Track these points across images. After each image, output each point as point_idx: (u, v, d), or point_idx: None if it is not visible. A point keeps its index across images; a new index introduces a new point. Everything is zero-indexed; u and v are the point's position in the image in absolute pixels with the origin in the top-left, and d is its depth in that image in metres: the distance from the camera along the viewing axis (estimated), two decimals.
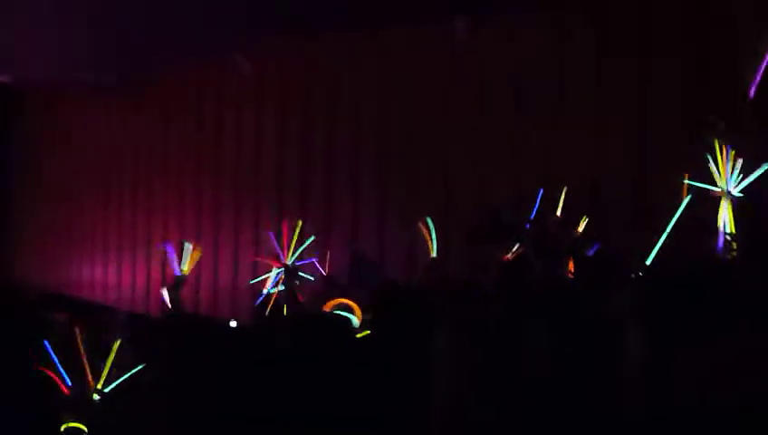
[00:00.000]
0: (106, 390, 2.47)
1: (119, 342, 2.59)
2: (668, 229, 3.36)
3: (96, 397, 2.43)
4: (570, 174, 4.49)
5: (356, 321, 3.73)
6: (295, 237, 4.68)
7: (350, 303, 3.86)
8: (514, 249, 3.90)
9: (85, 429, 2.20)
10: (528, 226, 4.08)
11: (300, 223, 4.83)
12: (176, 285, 4.56)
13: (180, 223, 5.82)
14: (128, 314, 4.90)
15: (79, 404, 2.42)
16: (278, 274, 4.66)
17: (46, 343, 2.61)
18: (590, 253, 3.70)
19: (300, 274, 4.71)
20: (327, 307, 3.91)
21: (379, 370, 2.48)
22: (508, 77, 5.06)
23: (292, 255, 4.66)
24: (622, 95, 4.64)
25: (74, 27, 5.33)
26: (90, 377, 2.46)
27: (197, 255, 4.48)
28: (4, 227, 7.14)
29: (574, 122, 4.75)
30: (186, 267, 4.34)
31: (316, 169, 5.65)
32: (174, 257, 4.55)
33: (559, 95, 4.88)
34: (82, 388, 2.45)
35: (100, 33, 5.41)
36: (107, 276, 6.11)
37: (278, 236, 4.75)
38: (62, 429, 2.22)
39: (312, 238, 4.85)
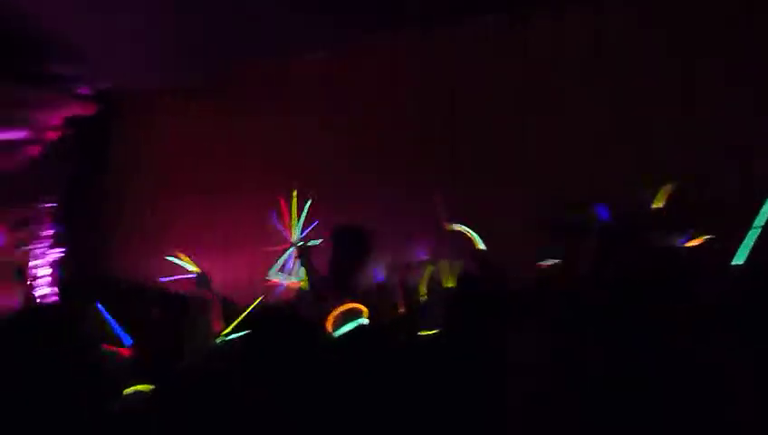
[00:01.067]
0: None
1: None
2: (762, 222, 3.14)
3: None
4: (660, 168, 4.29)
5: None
6: (303, 214, 4.38)
7: (358, 306, 3.44)
8: (600, 241, 3.73)
9: (149, 389, 2.17)
10: (614, 218, 3.90)
11: (310, 200, 4.58)
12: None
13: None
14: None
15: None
16: (288, 256, 4.42)
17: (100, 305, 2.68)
18: (682, 242, 3.50)
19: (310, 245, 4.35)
20: (335, 316, 3.50)
21: (456, 370, 2.38)
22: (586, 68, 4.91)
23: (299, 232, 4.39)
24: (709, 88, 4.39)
25: (162, 32, 5.62)
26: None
27: (185, 257, 4.42)
28: (105, 227, 7.61)
29: (663, 116, 4.55)
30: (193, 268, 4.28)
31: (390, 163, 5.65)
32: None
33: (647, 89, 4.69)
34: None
35: (187, 36, 5.67)
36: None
37: (279, 215, 4.54)
38: (127, 392, 2.18)
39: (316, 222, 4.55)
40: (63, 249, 7.67)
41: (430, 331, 3.09)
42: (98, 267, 7.54)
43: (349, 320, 3.14)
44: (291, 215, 4.35)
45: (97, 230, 7.64)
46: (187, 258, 4.09)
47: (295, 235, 4.38)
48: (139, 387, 2.20)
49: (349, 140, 5.87)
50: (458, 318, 2.89)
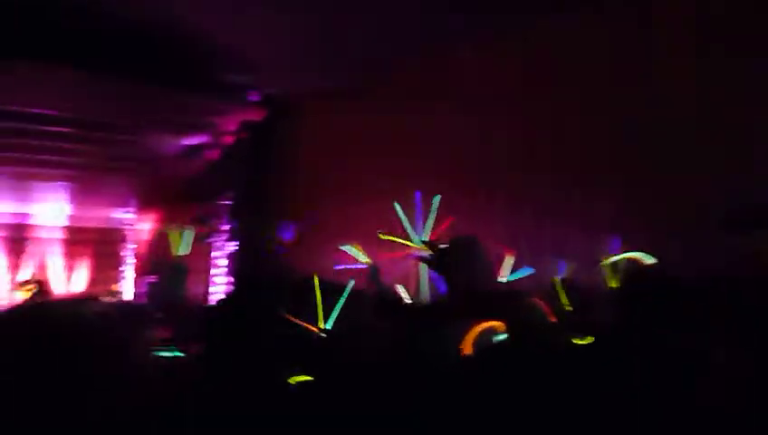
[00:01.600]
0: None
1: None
2: None
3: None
4: None
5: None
6: (432, 213, 4.11)
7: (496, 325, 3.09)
8: None
9: (310, 379, 2.15)
10: None
11: (437, 198, 4.30)
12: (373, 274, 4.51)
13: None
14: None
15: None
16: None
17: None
18: None
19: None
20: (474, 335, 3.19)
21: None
22: None
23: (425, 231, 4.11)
24: None
25: (321, 35, 5.93)
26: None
27: (359, 247, 4.31)
28: (276, 222, 8.21)
29: None
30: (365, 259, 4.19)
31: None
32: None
33: None
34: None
35: (345, 37, 5.92)
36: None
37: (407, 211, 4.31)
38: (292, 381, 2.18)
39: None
40: (238, 243, 8.42)
41: (585, 338, 2.86)
42: (270, 260, 8.15)
43: (487, 338, 2.91)
44: (417, 216, 4.17)
45: (268, 225, 8.26)
46: (361, 249, 4.12)
47: (417, 236, 4.24)
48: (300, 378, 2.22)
49: (514, 135, 5.74)
50: (632, 320, 2.65)
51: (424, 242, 3.90)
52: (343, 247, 4.21)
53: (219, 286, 8.78)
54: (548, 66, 5.66)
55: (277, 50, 6.23)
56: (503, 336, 2.90)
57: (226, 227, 8.50)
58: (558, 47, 5.60)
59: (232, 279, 8.53)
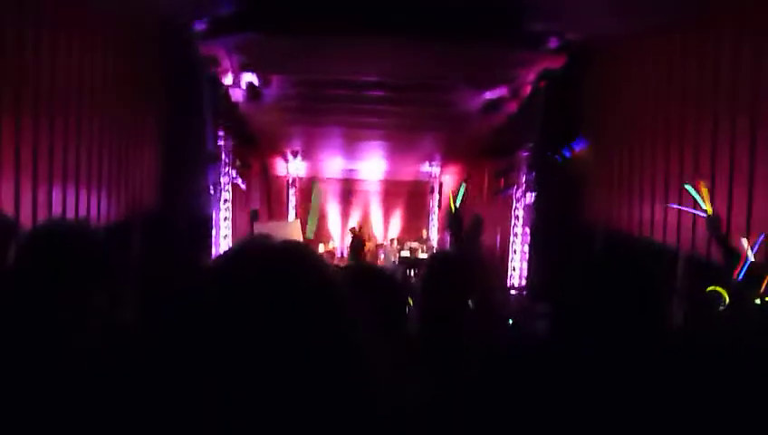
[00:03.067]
0: None
1: None
2: None
3: None
4: None
5: None
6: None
7: None
8: None
9: None
10: None
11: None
12: None
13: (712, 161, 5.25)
14: None
15: None
16: None
17: None
18: None
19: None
20: None
21: None
22: None
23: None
24: None
25: None
26: None
27: (705, 191, 3.66)
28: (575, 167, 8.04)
29: None
30: (706, 206, 3.66)
31: None
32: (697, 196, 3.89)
33: None
34: None
35: None
36: (654, 216, 6.17)
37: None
38: None
39: None
40: (535, 194, 8.47)
41: None
42: (567, 212, 8.04)
43: None
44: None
45: (568, 176, 8.13)
46: (707, 193, 3.63)
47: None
48: None
49: None
50: None
51: None
52: (686, 186, 3.81)
53: (517, 237, 9.02)
54: None
55: None
56: None
57: (524, 179, 8.61)
58: None
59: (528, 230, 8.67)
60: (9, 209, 4.09)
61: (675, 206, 5.43)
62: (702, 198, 3.17)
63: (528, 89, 8.32)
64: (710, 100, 5.32)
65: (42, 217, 4.54)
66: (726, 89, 5.12)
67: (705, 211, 3.11)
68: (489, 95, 8.17)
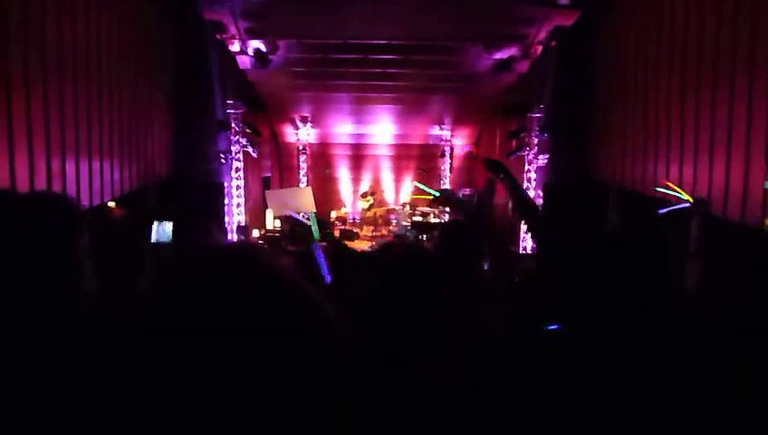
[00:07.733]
0: None
1: None
2: None
3: None
4: None
5: None
6: None
7: None
8: None
9: None
10: None
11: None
12: None
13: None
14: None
15: None
16: None
17: None
18: None
19: None
20: None
21: None
22: None
23: None
24: None
25: None
26: None
27: (674, 186, 3.62)
28: (587, 127, 7.94)
29: None
30: (685, 196, 3.58)
31: None
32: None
33: None
34: None
35: None
36: (668, 175, 6.10)
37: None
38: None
39: None
40: (548, 155, 8.37)
41: None
42: (581, 173, 7.96)
43: None
44: None
45: (580, 137, 8.02)
46: (675, 186, 3.64)
47: None
48: None
49: None
50: None
51: None
52: (658, 189, 3.78)
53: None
54: None
55: None
56: None
57: (537, 140, 8.51)
58: None
59: (539, 193, 8.61)
60: (24, 180, 4.12)
61: (662, 190, 5.37)
62: (677, 192, 3.17)
63: (539, 49, 8.16)
64: (728, 55, 5.19)
65: (56, 187, 4.58)
66: (743, 44, 4.99)
67: (687, 200, 3.12)
68: (500, 55, 8.02)
